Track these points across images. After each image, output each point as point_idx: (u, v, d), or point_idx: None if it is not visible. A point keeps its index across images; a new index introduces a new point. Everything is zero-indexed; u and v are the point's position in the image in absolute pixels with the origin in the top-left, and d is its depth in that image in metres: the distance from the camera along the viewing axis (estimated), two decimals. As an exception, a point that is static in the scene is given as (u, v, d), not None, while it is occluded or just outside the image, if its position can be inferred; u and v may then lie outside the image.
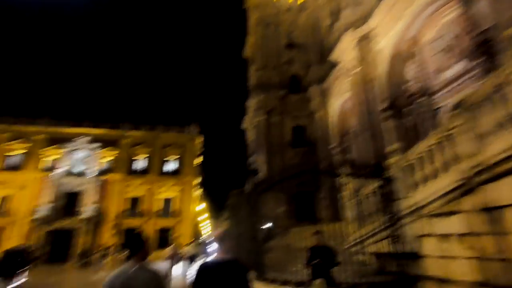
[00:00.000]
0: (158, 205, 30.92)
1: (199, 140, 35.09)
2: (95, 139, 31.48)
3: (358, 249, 7.27)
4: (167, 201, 31.26)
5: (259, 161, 24.96)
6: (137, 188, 30.95)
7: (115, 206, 29.85)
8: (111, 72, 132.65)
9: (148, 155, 32.62)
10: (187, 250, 12.75)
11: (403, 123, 13.66)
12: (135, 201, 30.69)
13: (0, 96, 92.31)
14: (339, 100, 22.41)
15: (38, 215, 27.52)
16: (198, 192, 36.04)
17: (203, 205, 40.31)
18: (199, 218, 40.52)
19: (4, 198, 28.64)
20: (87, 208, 28.66)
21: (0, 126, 30.61)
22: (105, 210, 29.53)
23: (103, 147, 31.48)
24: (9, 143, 30.39)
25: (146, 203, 30.68)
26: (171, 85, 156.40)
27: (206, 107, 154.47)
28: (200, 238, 37.82)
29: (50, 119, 32.20)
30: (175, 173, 32.56)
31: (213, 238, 5.57)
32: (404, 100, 14.87)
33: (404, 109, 14.22)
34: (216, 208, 60.30)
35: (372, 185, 7.04)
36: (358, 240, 7.41)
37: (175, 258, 14.70)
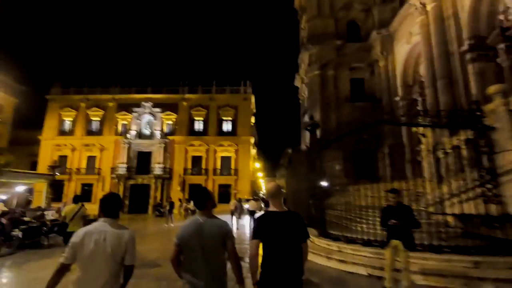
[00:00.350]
0: (217, 163, 32.76)
1: (252, 100, 35.03)
2: (158, 104, 33.73)
3: (437, 209, 6.50)
4: (225, 159, 32.86)
5: (314, 119, 24.01)
6: (197, 148, 32.99)
7: (179, 165, 32.55)
8: (167, 36, 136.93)
9: (205, 116, 33.98)
10: (248, 205, 13.34)
11: (497, 64, 11.26)
12: (196, 160, 32.95)
13: (78, 68, 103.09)
14: (406, 45, 19.59)
15: (117, 172, 31.57)
16: (254, 151, 36.94)
17: (259, 164, 41.50)
18: (255, 175, 42.14)
19: (90, 159, 33.36)
20: (157, 167, 31.83)
21: (80, 96, 34.61)
22: (172, 169, 32.45)
23: (165, 110, 33.68)
24: (89, 110, 34.45)
25: (206, 162, 32.74)
26: (222, 45, 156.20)
27: (258, 66, 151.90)
28: (258, 194, 39.64)
29: (120, 87, 35.18)
30: (231, 133, 33.60)
31: (269, 192, 5.56)
32: (496, 37, 12.12)
33: (497, 47, 11.64)
34: (271, 166, 61.88)
35: (459, 137, 5.98)
36: (437, 200, 6.60)
37: (237, 212, 15.78)
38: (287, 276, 2.26)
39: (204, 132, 33.75)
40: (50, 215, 13.66)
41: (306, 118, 26.58)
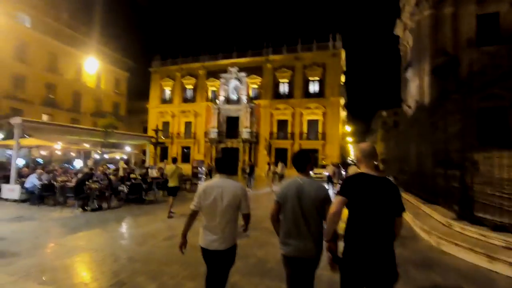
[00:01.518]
0: (304, 127, 31.39)
1: (342, 56, 31.24)
2: (243, 68, 33.76)
3: None
4: (312, 123, 31.14)
5: (421, 73, 19.59)
6: (282, 112, 32.15)
7: (265, 129, 32.60)
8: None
9: (290, 78, 32.38)
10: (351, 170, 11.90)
11: None
12: (282, 124, 32.31)
13: (173, 38, 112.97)
14: None
15: (209, 137, 33.86)
16: (343, 113, 33.80)
17: (349, 127, 38.11)
18: (344, 140, 39.16)
19: (187, 124, 36.72)
20: (244, 131, 32.70)
21: (176, 66, 37.58)
22: (258, 133, 32.84)
23: (250, 74, 33.52)
24: (183, 79, 37.30)
25: (292, 125, 31.76)
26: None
27: (348, 15, 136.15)
28: (348, 159, 36.96)
29: (208, 54, 36.55)
30: (318, 94, 31.25)
31: (362, 151, 4.24)
32: None
33: None
34: (361, 130, 56.73)
35: None
36: None
37: (336, 178, 14.65)
38: (379, 256, 1.94)
39: (289, 95, 32.42)
40: (154, 173, 15.34)
41: (409, 73, 22.05)
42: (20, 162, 17.46)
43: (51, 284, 3.59)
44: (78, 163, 21.45)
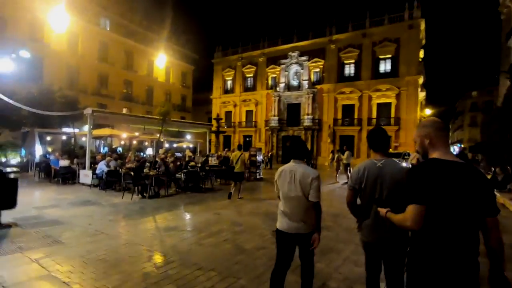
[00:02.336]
0: (373, 112, 28.28)
1: (421, 26, 26.78)
2: (304, 52, 31.94)
3: None
4: (383, 107, 27.81)
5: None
6: (348, 96, 29.50)
7: (328, 115, 30.47)
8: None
9: (356, 58, 29.34)
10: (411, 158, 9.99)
11: None
12: (347, 109, 29.71)
13: (233, 28, 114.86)
14: None
15: (270, 125, 33.27)
16: (421, 94, 29.33)
17: (429, 110, 33.12)
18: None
19: (248, 113, 36.82)
20: (306, 118, 31.14)
21: (236, 56, 37.76)
22: (321, 119, 30.92)
23: (312, 58, 31.55)
24: (244, 68, 37.32)
25: (359, 110, 28.94)
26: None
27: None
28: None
29: (268, 40, 35.70)
30: (390, 74, 27.61)
31: (431, 125, 2.83)
32: None
33: None
34: (446, 113, 49.01)
35: None
36: None
37: None
38: (463, 272, 1.40)
39: (355, 77, 29.47)
40: (213, 160, 15.42)
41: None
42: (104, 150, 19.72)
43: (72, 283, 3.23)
44: (149, 152, 23.29)
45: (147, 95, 36.08)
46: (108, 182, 9.51)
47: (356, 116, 29.02)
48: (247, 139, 36.66)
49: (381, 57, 28.12)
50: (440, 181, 1.44)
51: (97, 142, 22.54)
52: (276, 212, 2.74)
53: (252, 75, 36.84)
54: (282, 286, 2.57)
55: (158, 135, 22.45)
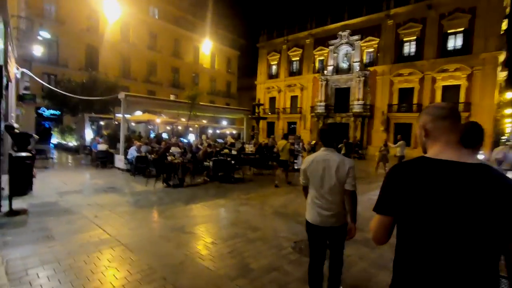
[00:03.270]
0: (436, 96, 24.57)
1: (505, -8, 22.01)
2: (356, 31, 28.97)
3: None
4: (450, 90, 23.93)
5: None
6: (406, 78, 26.05)
7: (382, 100, 27.43)
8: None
9: (419, 34, 25.54)
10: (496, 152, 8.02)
11: None
12: (405, 93, 26.32)
13: (279, 9, 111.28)
14: None
15: (316, 111, 31.30)
16: (501, 74, 24.53)
17: (511, 93, 27.76)
18: (501, 112, 28.95)
19: (292, 98, 35.21)
20: (355, 104, 28.53)
21: (281, 39, 36.02)
22: (373, 105, 28.04)
23: (365, 36, 28.47)
24: (289, 52, 35.51)
25: (419, 95, 25.42)
26: None
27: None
28: (503, 138, 27.33)
29: (316, 20, 33.23)
30: (460, 51, 23.46)
31: (439, 110, 1.07)
32: None
33: None
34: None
35: None
36: None
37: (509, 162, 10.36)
38: None
39: (416, 56, 25.77)
40: (249, 148, 14.64)
41: None
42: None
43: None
44: (191, 138, 23.56)
45: (193, 81, 36.67)
46: (137, 168, 9.34)
47: (415, 101, 25.56)
48: (292, 126, 35.21)
49: (450, 31, 23.98)
50: (421, 187, 1.04)
51: (148, 127, 23.56)
52: (304, 213, 2.58)
53: (298, 58, 34.87)
54: (321, 281, 2.50)
55: (186, 120, 22.46)
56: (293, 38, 34.88)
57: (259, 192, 7.90)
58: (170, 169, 7.96)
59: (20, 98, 11.43)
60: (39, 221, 4.71)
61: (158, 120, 14.28)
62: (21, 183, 5.23)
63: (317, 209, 2.40)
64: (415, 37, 25.83)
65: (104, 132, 19.42)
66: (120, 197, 6.69)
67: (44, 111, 24.14)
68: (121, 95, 10.41)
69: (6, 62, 5.59)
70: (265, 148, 13.54)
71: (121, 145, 10.77)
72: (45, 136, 17.62)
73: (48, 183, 7.74)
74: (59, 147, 19.07)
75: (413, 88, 25.76)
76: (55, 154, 15.40)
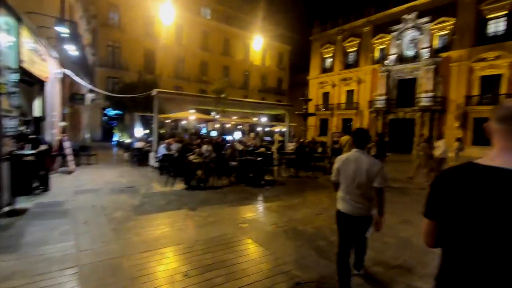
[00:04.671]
0: (533, 84, 19.66)
1: None
2: (424, 12, 25.05)
3: None
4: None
5: None
6: (492, 64, 21.45)
7: (457, 92, 23.16)
8: None
9: (510, 8, 20.74)
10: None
11: None
12: (489, 81, 21.74)
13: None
14: None
15: (375, 106, 28.13)
16: None
17: None
18: None
19: (348, 93, 32.39)
20: (423, 96, 24.70)
21: (336, 29, 33.41)
22: (445, 97, 23.90)
23: (436, 18, 24.42)
24: (345, 42, 32.74)
25: (510, 82, 20.67)
26: None
27: None
28: None
29: (375, 6, 29.92)
30: None
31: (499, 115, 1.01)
32: None
33: None
34: None
35: None
36: None
37: None
38: None
39: (506, 36, 21.01)
40: (291, 147, 13.39)
41: None
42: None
43: None
44: (237, 135, 23.22)
45: (244, 79, 36.55)
46: (162, 167, 8.99)
47: (503, 91, 20.88)
48: (348, 123, 32.41)
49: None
50: (464, 194, 1.02)
51: (200, 126, 24.07)
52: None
53: (354, 49, 31.90)
54: (349, 265, 2.74)
55: (255, 119, 21.86)
56: (349, 28, 32.04)
57: (285, 199, 6.72)
58: (187, 169, 7.31)
59: (71, 98, 12.23)
60: (25, 224, 4.38)
61: (192, 117, 14.01)
62: (23, 183, 5.06)
63: (347, 201, 2.71)
64: (505, 12, 21.09)
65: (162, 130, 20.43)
66: (129, 198, 6.24)
67: (108, 112, 26.53)
68: (154, 92, 10.24)
69: (19, 59, 5.50)
70: (307, 147, 12.16)
71: (154, 143, 10.65)
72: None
73: (75, 181, 7.80)
74: (119, 144, 20.53)
75: (500, 75, 21.11)
76: (115, 151, 16.49)
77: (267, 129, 29.06)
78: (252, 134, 25.17)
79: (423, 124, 24.62)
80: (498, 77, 21.20)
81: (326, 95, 34.71)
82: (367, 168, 2.59)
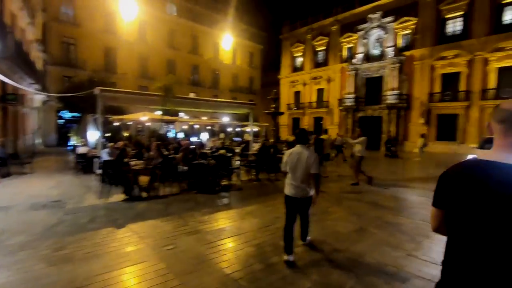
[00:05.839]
0: (489, 81, 20.50)
1: None
2: (389, 11, 25.50)
3: None
4: (507, 73, 19.76)
5: None
6: (451, 62, 22.18)
7: (421, 89, 23.76)
8: None
9: (466, 9, 21.54)
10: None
11: None
12: (449, 79, 22.47)
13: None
14: None
15: (344, 104, 28.31)
16: None
17: None
18: None
19: (319, 92, 32.44)
20: (389, 94, 25.13)
21: (305, 28, 33.33)
22: (410, 95, 24.46)
23: (399, 17, 24.93)
24: (314, 41, 32.74)
25: (467, 80, 21.47)
26: None
27: None
28: None
29: (341, 5, 30.12)
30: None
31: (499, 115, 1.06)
32: None
33: None
34: None
35: None
36: None
37: None
38: None
39: (463, 35, 21.81)
40: (255, 147, 12.75)
41: None
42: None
43: None
44: (204, 136, 22.23)
45: (214, 78, 35.52)
46: (104, 175, 7.93)
47: (462, 88, 21.66)
48: (320, 122, 32.40)
49: (506, 1, 19.79)
50: (465, 185, 1.13)
51: (169, 127, 22.74)
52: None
53: (323, 48, 32.01)
54: (293, 235, 3.54)
55: (226, 119, 20.85)
56: (318, 26, 32.10)
57: (236, 208, 6.01)
58: (125, 177, 6.38)
59: (1, 98, 10.74)
60: None
61: (142, 118, 12.94)
62: None
63: (292, 186, 3.51)
64: (461, 13, 21.88)
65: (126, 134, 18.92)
66: (47, 216, 5.21)
67: (64, 114, 24.45)
68: (96, 91, 9.12)
69: None
70: (272, 147, 11.54)
71: (99, 148, 9.52)
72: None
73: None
74: (74, 149, 18.82)
75: (459, 73, 21.87)
76: (70, 157, 14.87)
77: (238, 129, 28.35)
78: (222, 135, 24.39)
79: (390, 121, 25.07)
80: (457, 75, 21.97)
81: (297, 94, 34.59)
82: (306, 159, 3.42)
